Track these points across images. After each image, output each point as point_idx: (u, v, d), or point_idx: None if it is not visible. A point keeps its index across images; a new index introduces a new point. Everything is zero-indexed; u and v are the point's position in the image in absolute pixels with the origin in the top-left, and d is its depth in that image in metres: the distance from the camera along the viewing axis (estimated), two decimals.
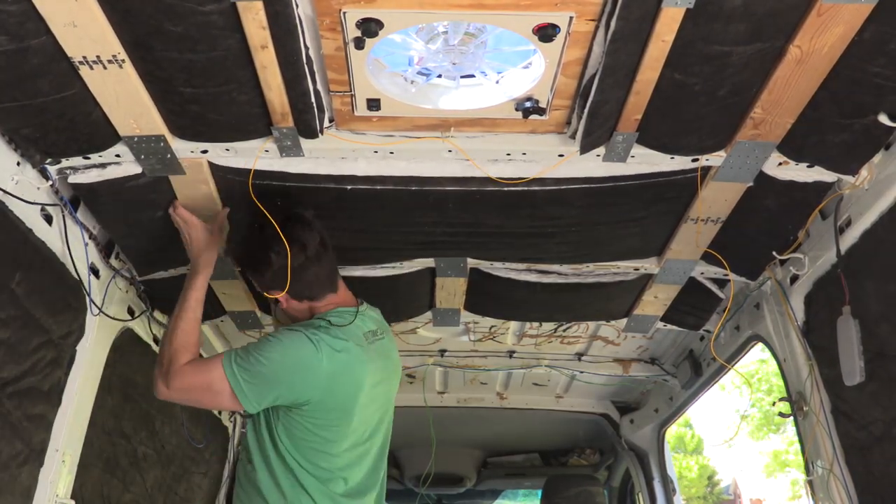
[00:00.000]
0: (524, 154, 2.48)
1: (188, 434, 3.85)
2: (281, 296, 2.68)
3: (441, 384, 4.87)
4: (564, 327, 3.98)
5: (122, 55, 2.02)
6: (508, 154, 2.48)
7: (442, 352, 4.29)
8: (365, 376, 2.68)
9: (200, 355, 2.69)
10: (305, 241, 2.63)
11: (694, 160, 2.53)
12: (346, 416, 2.67)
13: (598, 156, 2.47)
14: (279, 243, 2.57)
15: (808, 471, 2.96)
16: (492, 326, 3.97)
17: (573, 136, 2.35)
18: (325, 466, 2.67)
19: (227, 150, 2.45)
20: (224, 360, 2.55)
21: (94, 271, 2.81)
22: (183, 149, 2.44)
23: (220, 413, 4.47)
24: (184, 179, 2.56)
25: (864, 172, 2.47)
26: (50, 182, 2.47)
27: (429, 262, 3.19)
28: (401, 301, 3.51)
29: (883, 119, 2.22)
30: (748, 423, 23.10)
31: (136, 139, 2.36)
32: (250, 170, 2.52)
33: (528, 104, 2.25)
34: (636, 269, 3.22)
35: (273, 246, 2.59)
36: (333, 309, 2.73)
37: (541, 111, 2.28)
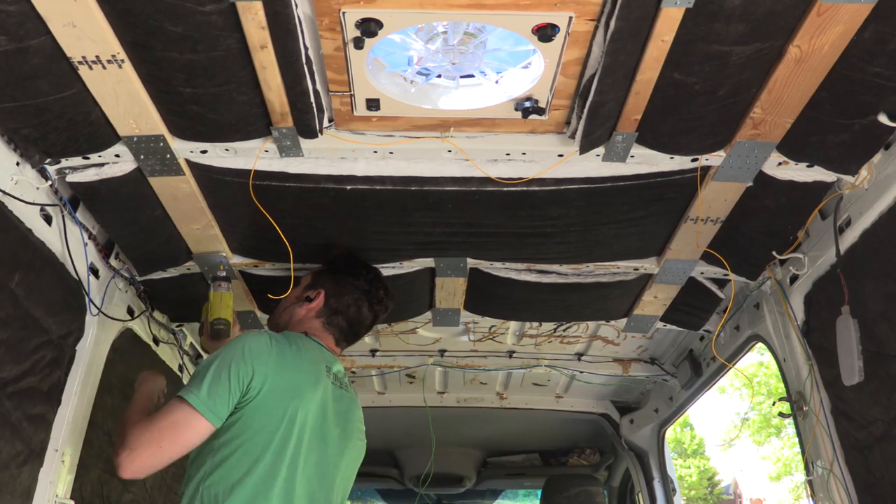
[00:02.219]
0: (524, 154, 2.48)
1: None
2: (320, 296, 2.80)
3: (441, 384, 4.87)
4: (564, 327, 3.98)
5: (122, 55, 2.02)
6: (508, 154, 2.48)
7: (442, 352, 4.29)
8: (313, 390, 2.48)
9: None
10: (385, 300, 2.93)
11: (693, 160, 2.53)
12: (290, 426, 2.38)
13: (598, 156, 2.47)
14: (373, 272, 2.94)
15: (808, 471, 2.96)
16: (492, 326, 3.97)
17: (573, 136, 2.35)
18: None
19: (227, 150, 2.45)
20: (178, 394, 2.34)
21: (94, 271, 2.82)
22: (182, 149, 2.44)
23: None
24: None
25: (863, 172, 2.47)
26: (49, 182, 2.47)
27: (429, 262, 3.19)
28: (401, 301, 3.50)
29: (883, 119, 2.22)
30: (748, 426, 23.12)
31: (135, 139, 2.36)
32: (250, 171, 2.52)
33: (527, 104, 2.25)
34: (636, 269, 3.22)
35: (372, 268, 2.96)
36: (314, 337, 2.72)
37: (540, 111, 2.28)
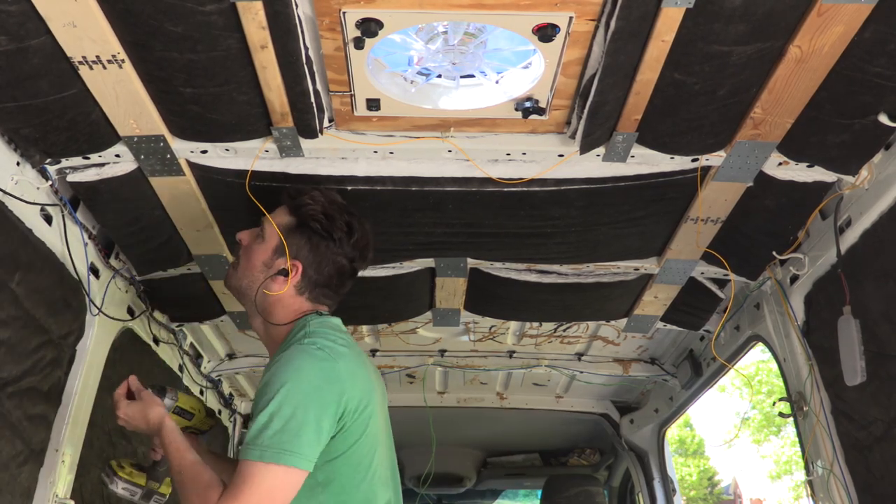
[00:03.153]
0: (524, 154, 2.48)
1: None
2: (298, 270, 2.29)
3: (441, 384, 4.87)
4: (564, 327, 3.99)
5: (122, 55, 2.02)
6: (508, 154, 2.48)
7: (442, 352, 4.29)
8: (374, 392, 2.29)
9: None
10: (367, 251, 2.42)
11: (694, 160, 2.53)
12: (374, 433, 2.23)
13: (598, 156, 2.48)
14: (356, 234, 2.36)
15: (808, 471, 2.96)
16: (492, 326, 3.97)
17: (573, 136, 2.35)
18: None
19: (227, 150, 2.45)
20: (251, 454, 1.99)
21: (94, 271, 2.81)
22: (183, 149, 2.44)
23: (219, 412, 4.47)
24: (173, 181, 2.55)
25: (864, 172, 2.47)
26: (49, 182, 2.47)
27: (429, 262, 3.19)
28: (401, 301, 3.51)
29: (883, 119, 2.22)
30: (748, 425, 23.13)
31: (135, 139, 2.36)
32: (249, 171, 2.52)
33: (527, 104, 2.25)
34: (636, 269, 3.22)
35: (353, 224, 2.35)
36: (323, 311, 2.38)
37: (541, 111, 2.28)
